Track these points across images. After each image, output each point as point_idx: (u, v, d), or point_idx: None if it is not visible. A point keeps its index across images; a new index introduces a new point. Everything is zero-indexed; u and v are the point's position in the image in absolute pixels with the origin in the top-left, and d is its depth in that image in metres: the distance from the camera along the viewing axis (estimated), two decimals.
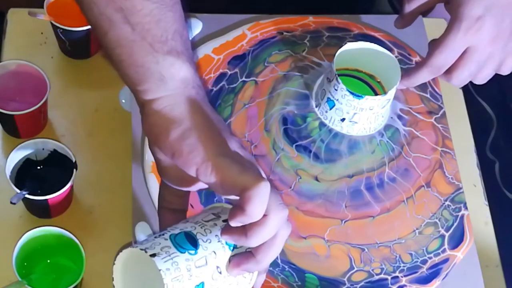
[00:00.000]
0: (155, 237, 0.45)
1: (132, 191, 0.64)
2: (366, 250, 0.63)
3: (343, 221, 0.64)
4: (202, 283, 0.43)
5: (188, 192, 0.51)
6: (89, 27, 0.68)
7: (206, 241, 0.45)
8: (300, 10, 0.75)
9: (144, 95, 0.48)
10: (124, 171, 0.66)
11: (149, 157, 0.66)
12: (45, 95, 0.64)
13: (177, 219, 0.50)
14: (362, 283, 0.62)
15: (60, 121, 0.69)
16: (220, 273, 0.44)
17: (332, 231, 0.63)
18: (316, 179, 0.65)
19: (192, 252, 0.44)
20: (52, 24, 0.68)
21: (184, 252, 0.43)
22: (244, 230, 0.44)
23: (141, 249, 0.43)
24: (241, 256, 0.45)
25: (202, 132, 0.46)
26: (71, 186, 0.62)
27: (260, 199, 0.43)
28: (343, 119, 0.65)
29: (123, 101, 0.70)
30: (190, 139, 0.46)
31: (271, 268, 0.62)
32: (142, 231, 0.62)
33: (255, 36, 0.73)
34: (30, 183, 0.63)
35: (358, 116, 0.65)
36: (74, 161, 0.62)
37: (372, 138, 0.67)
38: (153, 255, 0.43)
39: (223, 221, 0.46)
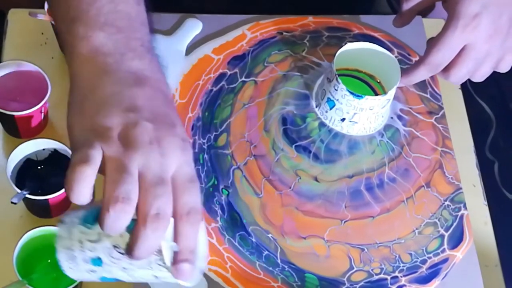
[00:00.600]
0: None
1: None
2: (366, 250, 0.63)
3: (343, 221, 0.64)
4: (99, 258, 0.43)
5: None
6: None
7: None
8: (300, 10, 0.75)
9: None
10: None
11: None
12: (45, 96, 0.64)
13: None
14: (362, 283, 0.62)
15: (61, 121, 0.69)
16: (123, 254, 0.43)
17: (332, 231, 0.63)
18: (316, 179, 0.65)
19: (89, 226, 0.43)
20: (52, 24, 0.68)
21: (83, 225, 0.43)
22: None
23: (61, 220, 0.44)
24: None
25: None
26: None
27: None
28: (343, 119, 0.66)
29: None
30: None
31: (270, 268, 0.62)
32: None
33: (255, 36, 0.73)
34: (31, 183, 0.63)
35: (358, 116, 0.65)
36: None
37: (372, 138, 0.67)
38: (61, 222, 0.44)
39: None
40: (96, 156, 0.42)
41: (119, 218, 0.40)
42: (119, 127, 0.43)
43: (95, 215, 0.43)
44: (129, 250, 0.42)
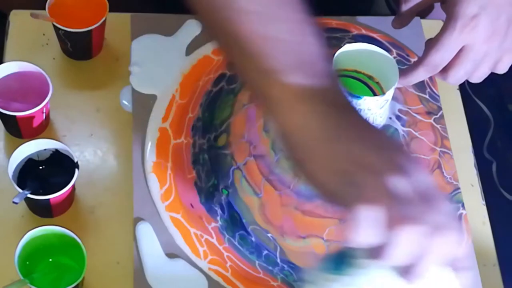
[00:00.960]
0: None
1: (133, 191, 0.65)
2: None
3: (342, 221, 0.64)
4: None
5: None
6: (90, 28, 0.68)
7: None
8: None
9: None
10: (125, 171, 0.67)
11: (149, 157, 0.66)
12: (47, 96, 0.65)
13: None
14: None
15: (62, 121, 0.69)
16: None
17: (331, 231, 0.64)
18: None
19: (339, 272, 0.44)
20: (54, 25, 0.69)
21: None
22: None
23: None
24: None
25: None
26: (73, 186, 0.63)
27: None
28: None
29: (124, 102, 0.70)
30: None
31: (270, 267, 0.62)
32: (143, 231, 0.63)
33: None
34: (32, 183, 0.63)
35: None
36: (75, 161, 0.62)
37: None
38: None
39: None
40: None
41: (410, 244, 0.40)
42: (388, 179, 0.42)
43: (338, 259, 0.44)
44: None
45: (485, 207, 0.70)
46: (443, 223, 0.42)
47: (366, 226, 0.41)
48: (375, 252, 0.42)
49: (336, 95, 0.47)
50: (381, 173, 0.42)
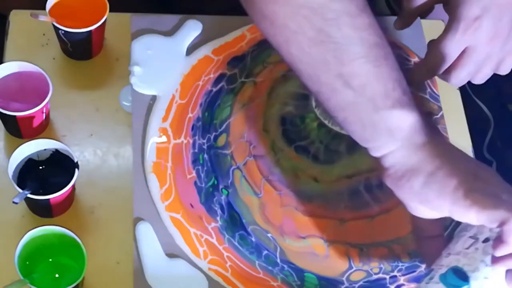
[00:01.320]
0: (426, 283, 0.47)
1: (133, 191, 0.65)
2: (365, 249, 0.64)
3: (342, 222, 0.64)
4: None
5: (442, 218, 0.53)
6: (90, 28, 0.68)
7: (475, 270, 0.46)
8: None
9: (376, 152, 0.49)
10: (125, 171, 0.67)
11: (149, 157, 0.66)
12: (47, 96, 0.65)
13: (437, 244, 0.52)
14: (361, 283, 0.62)
15: (62, 121, 0.69)
16: None
17: (331, 231, 0.64)
18: (315, 179, 0.65)
19: (466, 287, 0.45)
20: (53, 25, 0.69)
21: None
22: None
23: None
24: None
25: (445, 173, 0.47)
26: (73, 186, 0.63)
27: None
28: None
29: (124, 102, 0.70)
30: (434, 184, 0.47)
31: (270, 267, 0.62)
32: (143, 231, 0.63)
33: (255, 37, 0.73)
34: (32, 183, 0.63)
35: None
36: (75, 161, 0.62)
37: None
38: None
39: (483, 241, 0.47)
40: None
41: None
42: None
43: (454, 275, 0.46)
44: None
45: None
46: None
47: None
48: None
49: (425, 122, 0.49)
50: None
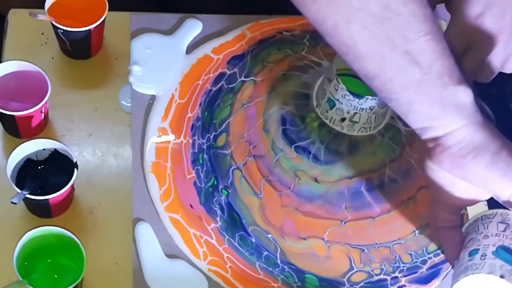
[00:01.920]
0: (470, 260, 0.49)
1: (132, 191, 0.64)
2: (366, 250, 0.63)
3: (343, 222, 0.64)
4: None
5: (461, 208, 0.55)
6: (89, 27, 0.68)
7: None
8: (300, 11, 0.75)
9: (438, 130, 0.49)
10: (124, 171, 0.66)
11: (149, 157, 0.66)
12: (45, 96, 0.64)
13: (455, 235, 0.54)
14: (362, 284, 0.62)
15: (61, 121, 0.69)
16: None
17: (332, 232, 0.63)
18: (316, 180, 0.65)
19: None
20: (52, 24, 0.68)
21: None
22: None
23: (487, 274, 0.47)
24: None
25: (508, 154, 0.48)
26: (72, 186, 0.62)
27: None
28: (343, 119, 0.66)
29: (123, 102, 0.70)
30: (500, 164, 0.48)
31: (270, 269, 0.62)
32: (142, 231, 0.62)
33: (255, 36, 0.73)
34: (31, 183, 0.63)
35: (359, 116, 0.65)
36: (74, 161, 0.62)
37: (373, 138, 0.67)
38: (502, 276, 0.47)
39: None
40: None
41: None
42: None
43: (505, 252, 0.48)
44: None
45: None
46: None
47: None
48: None
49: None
50: None
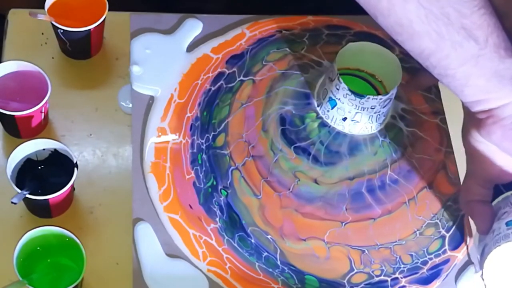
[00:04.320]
0: (508, 229, 0.52)
1: (132, 191, 0.64)
2: (366, 251, 0.63)
3: (343, 224, 0.64)
4: None
5: (494, 183, 0.57)
6: (89, 27, 0.68)
7: None
8: (300, 10, 0.75)
9: (498, 101, 0.50)
10: (124, 171, 0.66)
11: (148, 157, 0.66)
12: (45, 96, 0.64)
13: (487, 209, 0.56)
14: (362, 285, 0.62)
15: (61, 121, 0.69)
16: None
17: (332, 233, 0.63)
18: (316, 181, 0.64)
19: None
20: (52, 24, 0.68)
21: None
22: None
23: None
24: None
25: None
26: (72, 186, 0.62)
27: None
28: (344, 119, 0.65)
29: (122, 103, 0.70)
30: None
31: (270, 269, 0.62)
32: (142, 231, 0.62)
33: (254, 35, 0.72)
34: (31, 183, 0.63)
35: (360, 115, 0.65)
36: (74, 161, 0.62)
37: (374, 139, 0.67)
38: None
39: None
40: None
41: None
42: None
43: None
44: None
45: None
46: None
47: None
48: None
49: None
50: None
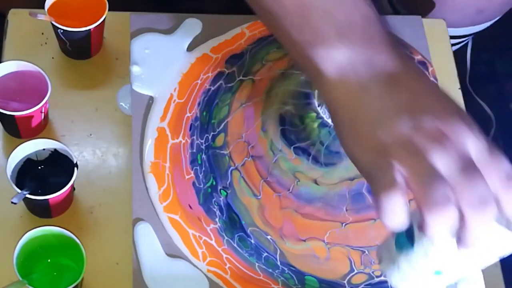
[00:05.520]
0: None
1: (132, 191, 0.64)
2: (367, 252, 0.63)
3: (344, 224, 0.64)
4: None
5: None
6: (89, 27, 0.68)
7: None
8: None
9: None
10: (124, 171, 0.66)
11: (148, 157, 0.66)
12: (46, 96, 0.64)
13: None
14: (362, 285, 0.62)
15: (61, 121, 0.69)
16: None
17: (332, 233, 0.63)
18: (316, 182, 0.64)
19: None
20: (52, 24, 0.68)
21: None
22: None
23: None
24: None
25: None
26: (72, 186, 0.62)
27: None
28: None
29: (121, 103, 0.70)
30: None
31: (270, 270, 0.62)
32: (142, 231, 0.62)
33: (254, 35, 0.73)
34: (31, 183, 0.63)
35: None
36: (74, 161, 0.62)
37: None
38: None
39: None
40: (399, 177, 0.41)
41: (445, 223, 0.39)
42: (400, 138, 0.42)
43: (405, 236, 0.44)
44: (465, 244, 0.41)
45: None
46: (482, 197, 0.40)
47: (391, 212, 0.40)
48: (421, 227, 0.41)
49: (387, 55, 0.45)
50: (424, 146, 0.41)
